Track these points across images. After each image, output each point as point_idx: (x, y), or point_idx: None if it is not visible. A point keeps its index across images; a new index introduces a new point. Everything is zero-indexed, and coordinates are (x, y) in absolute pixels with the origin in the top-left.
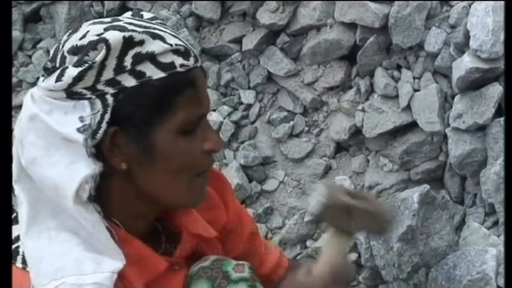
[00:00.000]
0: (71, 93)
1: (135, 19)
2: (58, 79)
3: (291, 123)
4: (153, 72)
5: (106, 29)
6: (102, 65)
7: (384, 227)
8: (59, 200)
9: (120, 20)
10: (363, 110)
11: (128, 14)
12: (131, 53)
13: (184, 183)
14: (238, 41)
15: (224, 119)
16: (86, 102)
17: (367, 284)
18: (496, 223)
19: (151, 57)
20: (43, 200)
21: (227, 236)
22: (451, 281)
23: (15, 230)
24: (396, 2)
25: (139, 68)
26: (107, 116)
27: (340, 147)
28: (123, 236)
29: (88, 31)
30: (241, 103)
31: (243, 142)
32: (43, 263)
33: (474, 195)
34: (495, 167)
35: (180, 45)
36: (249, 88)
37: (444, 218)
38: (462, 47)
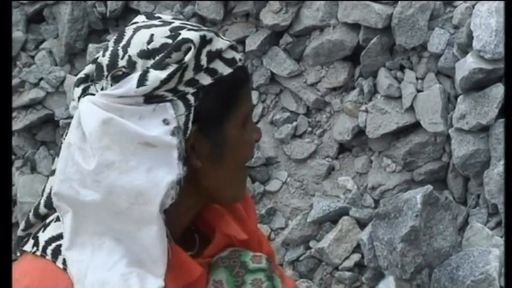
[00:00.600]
0: (150, 97)
1: (177, 18)
2: (140, 84)
3: (294, 123)
4: (223, 69)
5: (173, 30)
6: (187, 65)
7: None
8: (138, 207)
9: (171, 22)
10: (366, 111)
11: (143, 17)
12: (205, 51)
13: (242, 176)
14: (241, 41)
15: None
16: (167, 104)
17: (370, 285)
18: (499, 224)
19: (219, 55)
20: (89, 207)
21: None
22: (454, 281)
23: (57, 228)
24: (399, 2)
25: (212, 65)
26: (191, 116)
27: (343, 148)
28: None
29: (152, 34)
30: None
31: None
32: (88, 277)
33: (477, 195)
34: (498, 168)
35: (231, 42)
36: (252, 89)
37: (447, 219)
38: (465, 48)
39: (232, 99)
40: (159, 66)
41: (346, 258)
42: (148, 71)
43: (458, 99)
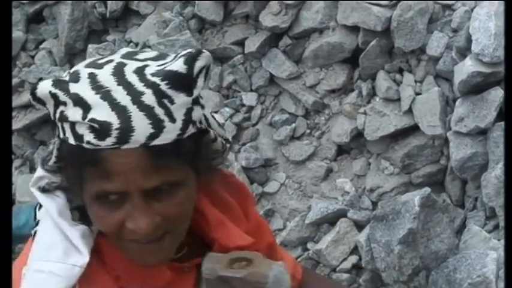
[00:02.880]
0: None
1: (114, 69)
2: None
3: (293, 125)
4: (69, 135)
5: (53, 81)
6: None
7: None
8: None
9: (99, 66)
10: (365, 113)
11: (124, 51)
12: (59, 109)
13: (120, 244)
14: (240, 43)
15: (226, 120)
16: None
17: (367, 287)
18: (496, 227)
19: (71, 122)
20: None
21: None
22: (452, 284)
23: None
24: (399, 5)
25: (61, 124)
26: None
27: (342, 150)
28: (118, 252)
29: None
30: (243, 105)
31: (244, 144)
32: (35, 247)
33: (475, 198)
34: (496, 171)
35: (101, 122)
36: (251, 90)
37: (445, 221)
38: (464, 51)
39: (76, 166)
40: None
41: (344, 260)
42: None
43: (457, 103)
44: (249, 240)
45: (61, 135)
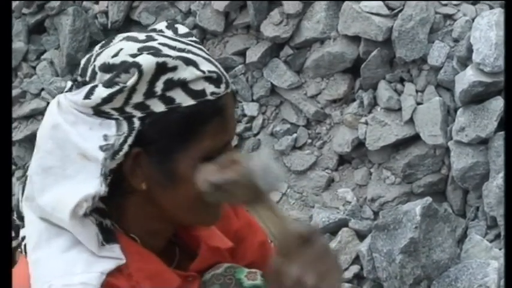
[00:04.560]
0: (98, 111)
1: (169, 38)
2: (87, 96)
3: (294, 135)
4: (183, 99)
5: (140, 50)
6: (133, 89)
7: (264, 189)
8: (54, 213)
9: (154, 39)
10: (366, 123)
11: (163, 25)
12: (163, 78)
13: (203, 206)
14: (241, 53)
15: None
16: (112, 121)
17: None
18: (498, 236)
19: (183, 84)
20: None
21: (239, 244)
22: None
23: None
24: (400, 15)
25: (169, 93)
26: (131, 139)
27: (343, 160)
28: (139, 251)
29: (121, 49)
30: (245, 115)
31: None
32: (39, 265)
33: (476, 208)
34: (497, 181)
35: (212, 71)
36: (252, 100)
37: (446, 231)
38: (465, 61)
39: (190, 132)
40: (107, 83)
41: (346, 269)
42: (97, 86)
43: (458, 112)
44: (229, 244)
45: (158, 109)
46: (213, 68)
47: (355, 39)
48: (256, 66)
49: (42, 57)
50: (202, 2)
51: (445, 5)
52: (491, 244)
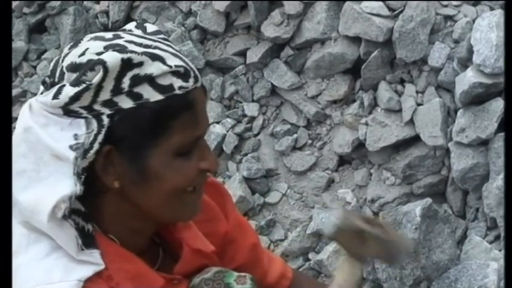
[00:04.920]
0: (67, 110)
1: (136, 36)
2: (55, 96)
3: (294, 136)
4: (150, 95)
5: (106, 48)
6: (100, 86)
7: (395, 257)
8: (33, 215)
9: (121, 37)
10: (366, 124)
11: (132, 25)
12: (129, 74)
13: (178, 200)
14: (242, 53)
15: (227, 131)
16: (82, 120)
17: None
18: (497, 237)
19: (150, 79)
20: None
21: (228, 246)
22: None
23: None
24: (400, 16)
25: (137, 89)
26: (100, 137)
27: (343, 161)
28: (119, 252)
29: (88, 48)
30: (245, 115)
31: (246, 154)
32: (18, 272)
33: (476, 209)
34: (497, 182)
35: (180, 66)
36: (253, 101)
37: (446, 232)
38: (465, 62)
39: (160, 127)
40: (74, 82)
41: None
42: (64, 86)
43: (458, 113)
44: (211, 248)
45: (126, 105)
46: (180, 63)
47: (356, 40)
48: (256, 66)
49: (43, 56)
50: (203, 2)
51: (446, 6)
52: (491, 245)
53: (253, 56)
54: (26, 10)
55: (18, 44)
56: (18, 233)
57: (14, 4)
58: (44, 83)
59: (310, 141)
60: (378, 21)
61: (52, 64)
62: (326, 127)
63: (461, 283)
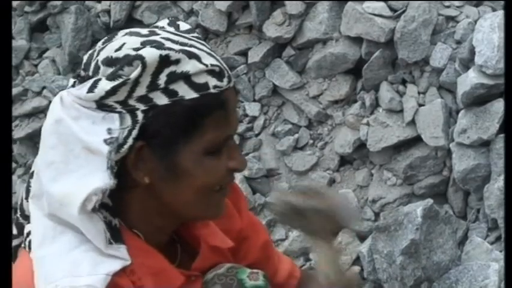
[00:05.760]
0: (101, 105)
1: (172, 33)
2: (90, 90)
3: (296, 136)
4: (185, 92)
5: (143, 44)
6: (136, 81)
7: (342, 224)
8: (62, 208)
9: (157, 34)
10: (368, 124)
11: (164, 23)
12: (166, 71)
13: (205, 199)
14: (244, 53)
15: None
16: (115, 115)
17: None
18: (498, 238)
19: (186, 77)
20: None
21: (241, 243)
22: None
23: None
24: (402, 17)
25: (172, 86)
26: (135, 132)
27: (344, 161)
28: (143, 247)
29: (124, 43)
30: (246, 115)
31: (247, 154)
32: (44, 264)
33: (477, 210)
34: (498, 183)
35: (215, 65)
36: (254, 100)
37: (447, 233)
38: (467, 63)
39: (193, 125)
40: (111, 76)
41: (346, 270)
42: (100, 79)
43: (460, 114)
44: (229, 244)
45: (161, 102)
46: (215, 62)
47: (358, 40)
48: (258, 66)
49: (44, 55)
50: (204, 1)
51: (448, 6)
52: (492, 246)
53: (255, 55)
54: (27, 9)
55: (20, 42)
56: (43, 226)
57: (16, 3)
58: (77, 76)
59: (311, 141)
60: (379, 21)
61: (86, 57)
62: (327, 127)
63: (462, 284)
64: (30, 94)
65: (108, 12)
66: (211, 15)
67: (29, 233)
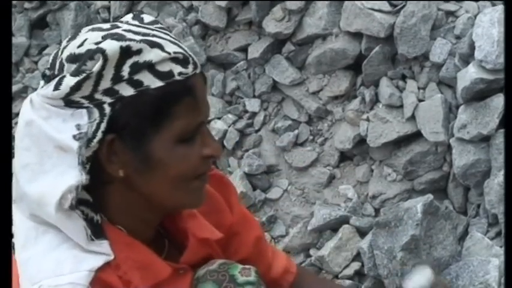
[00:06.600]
0: (68, 101)
1: (134, 25)
2: (56, 88)
3: (296, 132)
4: (150, 81)
5: (104, 38)
6: (100, 74)
7: None
8: (41, 208)
9: (118, 27)
10: (368, 120)
11: (129, 17)
12: (129, 62)
13: (183, 188)
14: (243, 49)
15: (229, 127)
16: (83, 110)
17: None
18: (499, 234)
19: (149, 66)
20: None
21: (232, 238)
22: None
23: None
24: (402, 12)
25: (137, 77)
26: (103, 125)
27: (344, 157)
28: (127, 241)
29: (86, 39)
30: (246, 111)
31: (247, 150)
32: (28, 265)
33: (477, 205)
34: (499, 178)
35: (178, 52)
36: (254, 96)
37: (447, 228)
38: (467, 58)
39: (161, 113)
40: (74, 72)
41: (346, 266)
42: (65, 76)
43: (460, 109)
44: (218, 235)
45: (127, 93)
46: (179, 50)
47: (357, 35)
48: (258, 62)
49: (44, 52)
50: None
51: (447, 1)
52: (492, 242)
53: (255, 51)
54: (27, 5)
55: (20, 39)
56: (26, 227)
57: None
58: (44, 76)
59: (311, 137)
60: (379, 16)
61: (51, 57)
62: (327, 123)
63: (463, 279)
64: (30, 91)
65: (108, 8)
66: (211, 11)
67: (12, 235)
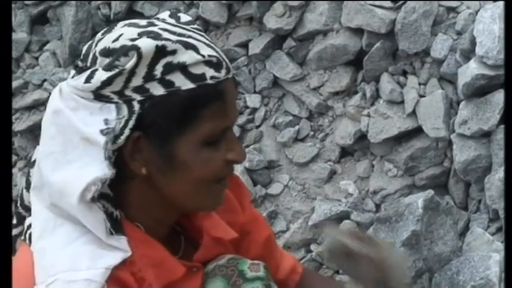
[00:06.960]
0: (98, 95)
1: (170, 24)
2: (87, 80)
3: (296, 127)
4: (182, 83)
5: (140, 35)
6: (132, 72)
7: (389, 281)
8: (62, 198)
9: (155, 25)
10: (368, 115)
11: (166, 15)
12: (162, 61)
13: (203, 191)
14: (244, 45)
15: None
16: (112, 106)
17: None
18: (500, 229)
19: (182, 68)
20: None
21: (243, 238)
22: (455, 286)
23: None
24: (403, 8)
25: (169, 77)
26: (131, 123)
27: (345, 152)
28: (144, 239)
29: (122, 34)
30: (247, 107)
31: (248, 146)
32: (44, 257)
33: (478, 201)
34: (499, 173)
35: (213, 56)
36: (255, 92)
37: (448, 224)
38: (468, 54)
39: (189, 115)
40: (107, 67)
41: None
42: (97, 70)
43: (461, 105)
44: (233, 234)
45: (158, 92)
46: (213, 53)
47: (358, 31)
48: (258, 58)
49: (45, 48)
50: None
51: None
52: (493, 237)
53: (255, 47)
54: (27, 1)
55: (20, 35)
56: (44, 217)
57: None
58: (76, 66)
59: (312, 133)
60: (380, 12)
61: (85, 49)
62: (328, 118)
63: (463, 275)
64: (30, 87)
65: (108, 4)
66: (212, 6)
67: (29, 226)
